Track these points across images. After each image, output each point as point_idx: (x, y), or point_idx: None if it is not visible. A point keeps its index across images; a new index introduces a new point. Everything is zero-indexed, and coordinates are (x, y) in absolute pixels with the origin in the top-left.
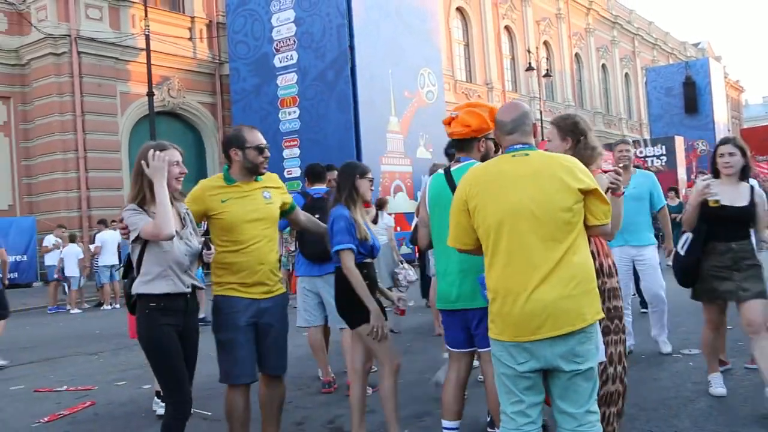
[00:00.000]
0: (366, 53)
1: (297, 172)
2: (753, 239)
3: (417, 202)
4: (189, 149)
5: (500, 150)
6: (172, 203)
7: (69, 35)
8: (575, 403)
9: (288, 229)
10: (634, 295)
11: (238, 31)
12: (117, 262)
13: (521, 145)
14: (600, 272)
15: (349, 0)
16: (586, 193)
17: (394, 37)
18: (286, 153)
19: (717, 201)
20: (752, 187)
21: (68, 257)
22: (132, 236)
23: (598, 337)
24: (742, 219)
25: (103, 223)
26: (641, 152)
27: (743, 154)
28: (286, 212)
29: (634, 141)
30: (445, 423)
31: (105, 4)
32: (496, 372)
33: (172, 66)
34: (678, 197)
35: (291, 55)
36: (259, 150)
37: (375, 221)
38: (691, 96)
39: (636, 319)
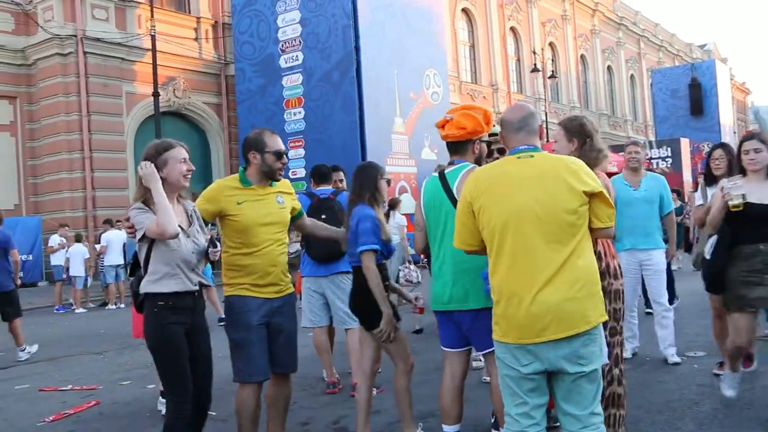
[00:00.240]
0: (371, 54)
1: (302, 172)
2: None
3: None
4: (194, 149)
5: (504, 152)
6: (178, 201)
7: (75, 35)
8: (579, 405)
9: None
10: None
11: (244, 31)
12: (122, 262)
13: (526, 147)
14: (606, 273)
15: (354, 1)
16: (591, 196)
17: (399, 39)
18: (291, 153)
19: (737, 205)
20: None
21: (74, 257)
22: (138, 235)
23: (601, 339)
24: None
25: (109, 223)
26: (646, 154)
27: None
28: (293, 218)
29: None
30: (446, 428)
31: (111, 4)
32: (500, 374)
33: (177, 66)
34: (680, 199)
35: (296, 56)
36: (278, 155)
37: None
38: (697, 98)
39: (640, 320)
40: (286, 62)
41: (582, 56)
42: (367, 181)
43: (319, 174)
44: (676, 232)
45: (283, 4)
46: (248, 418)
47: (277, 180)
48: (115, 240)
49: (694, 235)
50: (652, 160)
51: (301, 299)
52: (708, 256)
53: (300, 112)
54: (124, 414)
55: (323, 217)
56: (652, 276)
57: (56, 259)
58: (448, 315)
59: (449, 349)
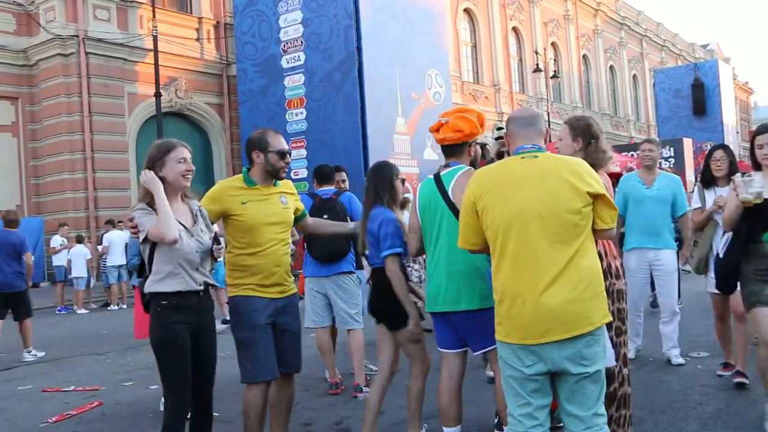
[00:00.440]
0: (373, 54)
1: (304, 173)
2: None
3: None
4: (196, 150)
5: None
6: (183, 200)
7: (77, 36)
8: (583, 406)
9: None
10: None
11: (246, 32)
12: (125, 262)
13: (531, 146)
14: (608, 274)
15: (356, 1)
16: (595, 198)
17: (401, 39)
18: (293, 154)
19: (748, 200)
20: None
21: (76, 258)
22: (141, 236)
23: (605, 340)
24: None
25: (111, 224)
26: (661, 153)
27: None
28: (297, 219)
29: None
30: (446, 430)
31: (113, 5)
32: (503, 374)
33: (179, 67)
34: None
35: (298, 56)
36: (281, 155)
37: None
38: (700, 98)
39: (645, 318)
40: (287, 62)
41: (584, 56)
42: (383, 182)
43: (321, 174)
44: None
45: (285, 5)
46: (255, 418)
47: (281, 179)
48: (117, 240)
49: (690, 238)
50: (642, 161)
51: (303, 299)
52: (721, 255)
53: (302, 113)
54: (127, 415)
55: (325, 217)
56: (661, 277)
57: (58, 260)
58: (443, 316)
59: (446, 350)
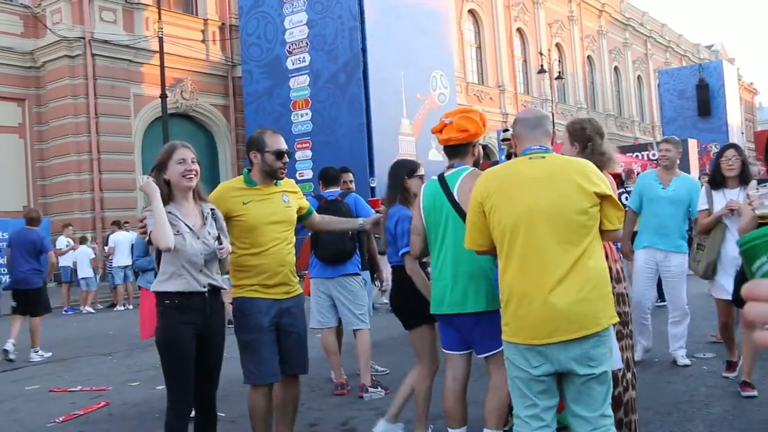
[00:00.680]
0: (378, 55)
1: (309, 174)
2: None
3: None
4: (201, 151)
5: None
6: (196, 201)
7: (83, 38)
8: (590, 407)
9: None
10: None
11: (251, 33)
12: (131, 263)
13: (539, 147)
14: (609, 277)
15: (361, 3)
16: (602, 198)
17: (406, 40)
18: (298, 155)
19: (766, 215)
20: None
21: (80, 259)
22: (146, 238)
23: (612, 340)
24: None
25: (117, 225)
26: (654, 155)
27: None
28: (302, 217)
29: (646, 143)
30: None
31: (119, 6)
32: (510, 375)
33: (185, 68)
34: None
35: (303, 58)
36: (278, 155)
37: None
38: (705, 99)
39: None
40: (293, 64)
41: (589, 57)
42: (396, 181)
43: (327, 176)
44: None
45: (290, 6)
46: (260, 419)
47: (280, 179)
48: (122, 241)
49: (693, 240)
50: (659, 161)
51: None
52: (737, 268)
53: (307, 114)
54: (133, 415)
55: None
56: (670, 280)
57: (64, 261)
58: (448, 318)
59: (450, 352)
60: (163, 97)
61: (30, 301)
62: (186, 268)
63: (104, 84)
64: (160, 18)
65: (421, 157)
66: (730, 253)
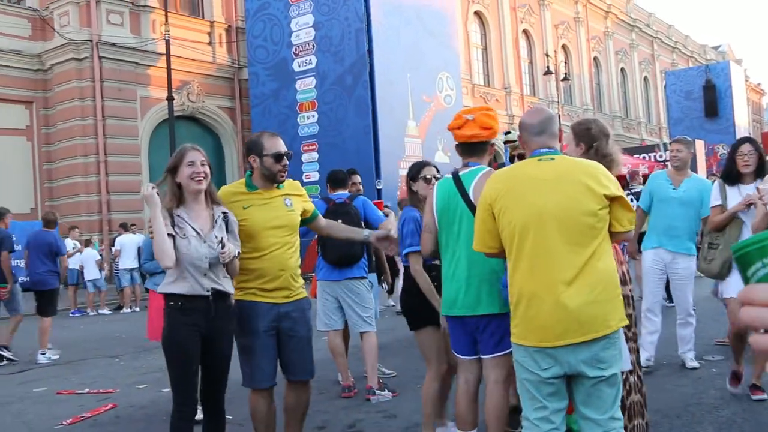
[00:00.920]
0: (384, 57)
1: (316, 176)
2: None
3: None
4: (208, 153)
5: (524, 157)
6: (207, 204)
7: (91, 40)
8: (599, 410)
9: None
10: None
11: (258, 35)
12: (137, 265)
13: (547, 149)
14: None
15: (367, 4)
16: (611, 200)
17: (412, 42)
18: (304, 157)
19: None
20: None
21: (87, 261)
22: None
23: (621, 343)
24: None
25: (124, 227)
26: (660, 156)
27: None
28: (307, 220)
29: (653, 145)
30: None
31: (126, 9)
32: (519, 377)
33: (191, 70)
34: None
35: (310, 60)
36: (277, 158)
37: None
38: (712, 100)
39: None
40: (299, 66)
41: (595, 58)
42: (406, 184)
43: (334, 179)
44: None
45: (297, 8)
46: (262, 421)
47: (281, 182)
48: (129, 244)
49: (704, 239)
50: (666, 163)
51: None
52: None
53: (313, 116)
54: (141, 417)
55: (339, 221)
56: (678, 282)
57: (70, 263)
58: (459, 320)
59: (462, 357)
60: (170, 99)
61: (44, 301)
62: (189, 270)
63: (111, 86)
64: (166, 20)
65: (428, 159)
66: None
